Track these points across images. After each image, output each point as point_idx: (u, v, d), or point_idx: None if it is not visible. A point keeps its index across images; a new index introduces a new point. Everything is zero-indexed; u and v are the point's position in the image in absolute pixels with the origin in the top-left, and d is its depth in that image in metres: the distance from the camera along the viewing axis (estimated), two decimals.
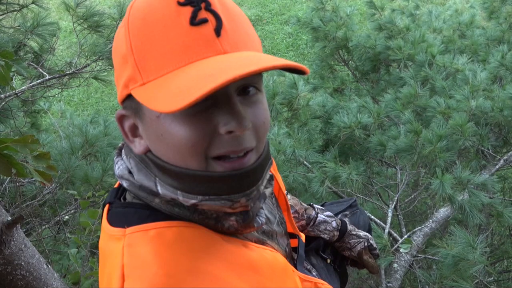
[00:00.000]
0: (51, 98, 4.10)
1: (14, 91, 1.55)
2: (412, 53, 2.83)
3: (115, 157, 0.63)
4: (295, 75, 2.48)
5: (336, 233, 0.93)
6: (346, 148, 2.57)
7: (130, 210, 0.58)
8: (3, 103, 1.72)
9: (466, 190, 2.12)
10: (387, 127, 2.51)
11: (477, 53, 3.21)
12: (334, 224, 0.93)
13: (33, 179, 2.27)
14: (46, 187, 2.02)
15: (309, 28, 2.93)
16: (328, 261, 0.90)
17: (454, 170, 2.14)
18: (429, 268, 2.28)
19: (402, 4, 3.63)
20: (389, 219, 2.15)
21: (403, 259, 2.06)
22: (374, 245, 0.97)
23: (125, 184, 0.59)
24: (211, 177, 0.53)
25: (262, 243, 0.62)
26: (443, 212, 2.28)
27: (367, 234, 0.97)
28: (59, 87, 2.16)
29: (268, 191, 0.61)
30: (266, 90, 2.47)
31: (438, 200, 2.15)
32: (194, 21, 0.49)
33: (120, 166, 0.61)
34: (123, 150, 0.62)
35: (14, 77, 1.82)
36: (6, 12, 2.44)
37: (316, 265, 0.85)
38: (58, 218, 1.91)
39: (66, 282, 1.35)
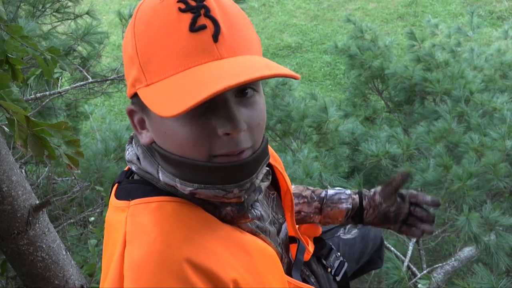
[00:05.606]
0: (93, 106, 4.32)
1: (58, 90, 1.67)
2: (449, 87, 2.79)
3: (127, 144, 0.69)
4: (326, 100, 2.51)
5: (355, 196, 0.91)
6: (372, 177, 2.54)
7: (136, 185, 0.63)
8: (47, 100, 1.85)
9: (494, 231, 2.05)
10: (416, 160, 2.47)
11: None
12: (347, 191, 0.92)
13: (67, 178, 2.40)
14: (77, 184, 2.12)
15: (345, 56, 2.96)
16: (329, 270, 0.90)
17: (483, 210, 2.08)
18: None
19: (444, 40, 3.61)
20: (409, 253, 2.09)
21: None
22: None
23: (133, 168, 0.64)
24: (208, 167, 0.57)
25: (256, 235, 0.65)
26: (467, 251, 2.20)
27: None
28: (101, 91, 2.29)
29: (264, 185, 0.65)
30: (297, 112, 2.51)
31: (462, 238, 2.08)
32: (193, 28, 0.53)
33: (130, 152, 0.66)
34: (133, 139, 0.68)
35: (61, 78, 1.95)
36: (61, 20, 2.63)
37: (316, 271, 0.85)
38: (84, 215, 1.99)
39: (82, 273, 1.40)
